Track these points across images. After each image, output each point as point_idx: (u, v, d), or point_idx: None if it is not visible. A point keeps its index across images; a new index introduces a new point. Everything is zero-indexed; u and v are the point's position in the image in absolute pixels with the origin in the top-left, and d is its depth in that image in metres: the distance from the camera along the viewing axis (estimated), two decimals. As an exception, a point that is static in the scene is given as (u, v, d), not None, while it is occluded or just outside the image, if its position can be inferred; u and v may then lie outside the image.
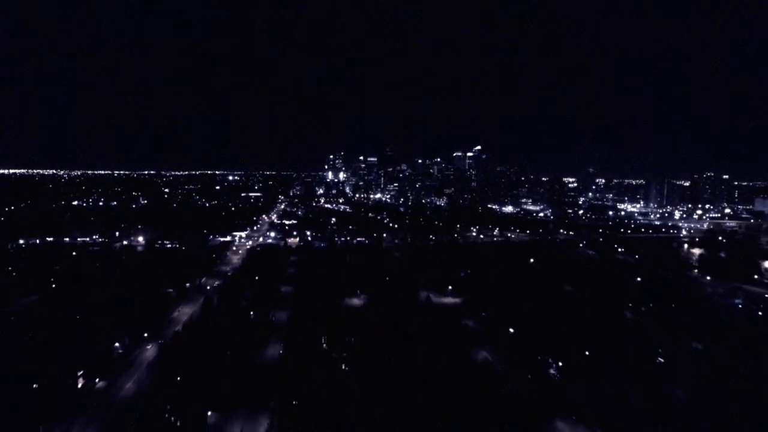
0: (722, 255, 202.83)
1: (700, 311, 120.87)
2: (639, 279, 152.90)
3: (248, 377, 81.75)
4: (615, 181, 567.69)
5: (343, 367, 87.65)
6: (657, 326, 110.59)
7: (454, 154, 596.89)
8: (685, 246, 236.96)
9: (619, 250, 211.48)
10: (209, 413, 69.86)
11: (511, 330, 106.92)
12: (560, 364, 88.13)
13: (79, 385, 77.85)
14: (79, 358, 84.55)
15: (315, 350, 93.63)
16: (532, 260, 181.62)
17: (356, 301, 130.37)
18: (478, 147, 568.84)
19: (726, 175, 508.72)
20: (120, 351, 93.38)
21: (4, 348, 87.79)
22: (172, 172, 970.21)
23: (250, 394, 76.50)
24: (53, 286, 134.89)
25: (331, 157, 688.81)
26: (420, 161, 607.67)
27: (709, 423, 69.28)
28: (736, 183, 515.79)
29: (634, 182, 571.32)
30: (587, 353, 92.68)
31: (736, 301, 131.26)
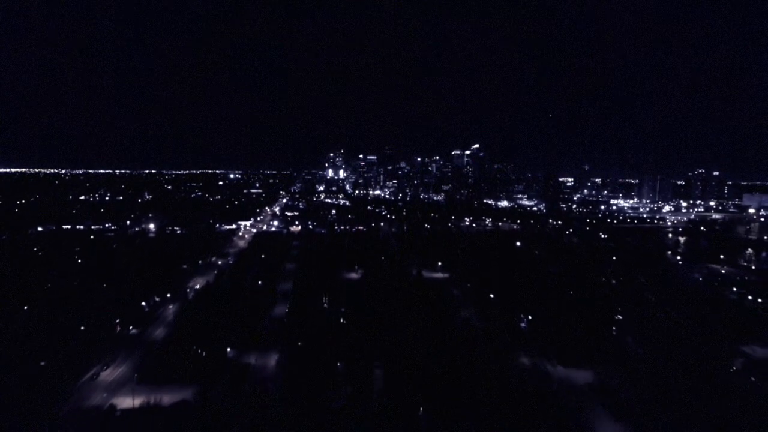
0: (697, 241, 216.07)
1: (663, 282, 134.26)
2: (614, 258, 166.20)
3: (259, 326, 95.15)
4: (609, 179, 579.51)
5: (342, 321, 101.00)
6: (622, 293, 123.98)
7: (453, 153, 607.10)
8: (667, 234, 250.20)
9: (602, 236, 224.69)
10: (228, 349, 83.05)
11: (492, 296, 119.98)
12: (530, 317, 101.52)
13: (117, 331, 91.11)
14: (112, 313, 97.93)
15: (317, 309, 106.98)
16: (518, 243, 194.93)
17: (354, 275, 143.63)
18: (477, 145, 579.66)
19: (716, 172, 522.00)
20: (146, 309, 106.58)
21: (46, 307, 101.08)
22: (173, 171, 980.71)
23: (262, 338, 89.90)
24: (78, 262, 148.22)
25: (331, 155, 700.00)
26: (419, 159, 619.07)
27: (651, 360, 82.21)
28: (732, 182, 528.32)
29: (632, 181, 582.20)
30: (556, 312, 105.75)
31: (697, 275, 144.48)
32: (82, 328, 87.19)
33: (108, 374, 74.51)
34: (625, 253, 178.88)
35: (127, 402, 63.99)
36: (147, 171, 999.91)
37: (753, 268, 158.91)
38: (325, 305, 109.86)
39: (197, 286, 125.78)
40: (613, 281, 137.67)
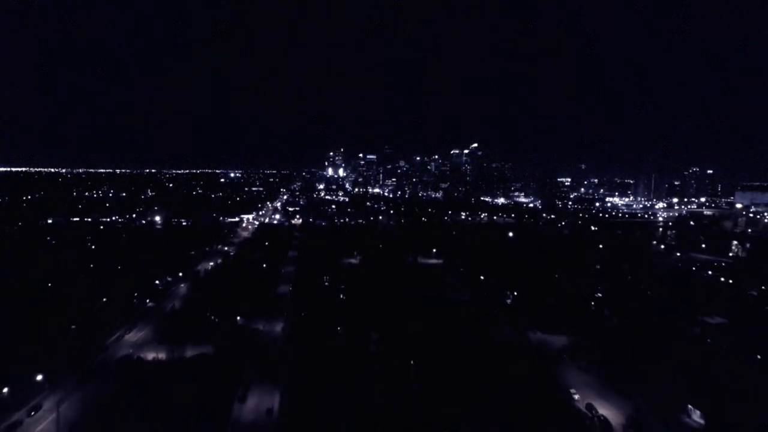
0: (684, 233, 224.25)
1: (645, 267, 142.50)
2: (601, 246, 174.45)
3: (265, 301, 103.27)
4: (605, 178, 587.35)
5: (341, 296, 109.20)
6: (604, 275, 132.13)
7: (452, 152, 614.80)
8: (656, 227, 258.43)
9: (593, 228, 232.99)
10: (238, 318, 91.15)
11: (482, 278, 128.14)
12: (515, 294, 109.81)
13: (135, 304, 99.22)
14: (129, 290, 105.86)
15: (318, 287, 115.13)
16: (510, 234, 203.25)
17: (353, 261, 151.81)
18: (475, 144, 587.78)
19: (710, 170, 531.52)
20: (160, 287, 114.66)
21: (68, 285, 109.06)
22: (173, 171, 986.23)
23: (268, 310, 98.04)
24: (92, 248, 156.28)
25: (331, 154, 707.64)
26: (418, 158, 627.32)
27: (622, 328, 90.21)
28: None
29: (630, 181, 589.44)
30: (541, 291, 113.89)
31: (678, 262, 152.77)
32: (104, 299, 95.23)
33: (131, 336, 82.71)
34: (613, 242, 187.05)
35: (152, 356, 72.13)
36: (147, 170, 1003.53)
37: (730, 255, 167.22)
38: (326, 284, 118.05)
39: (206, 268, 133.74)
40: (598, 266, 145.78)
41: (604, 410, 58.55)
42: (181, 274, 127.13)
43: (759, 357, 72.01)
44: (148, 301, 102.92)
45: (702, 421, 55.38)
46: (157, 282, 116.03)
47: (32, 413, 54.92)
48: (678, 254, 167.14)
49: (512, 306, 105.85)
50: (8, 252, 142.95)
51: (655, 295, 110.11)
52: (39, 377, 60.54)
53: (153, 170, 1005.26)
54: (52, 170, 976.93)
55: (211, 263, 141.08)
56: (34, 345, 70.59)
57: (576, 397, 62.25)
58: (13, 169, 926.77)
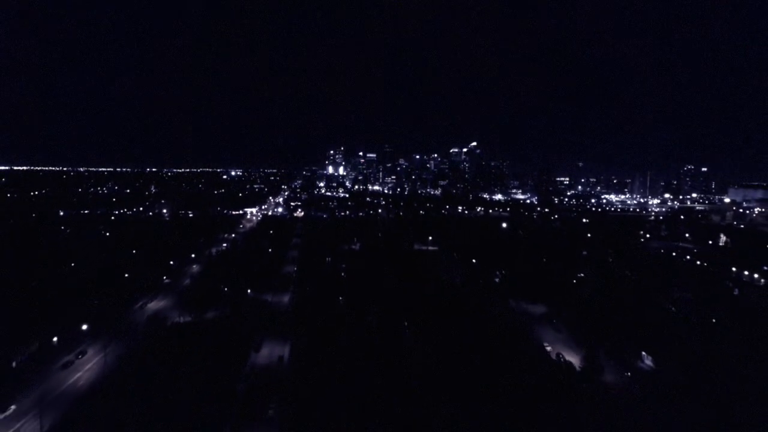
0: (672, 226, 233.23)
1: (629, 252, 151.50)
2: (589, 235, 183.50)
3: (273, 278, 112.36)
4: (602, 176, 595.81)
5: (342, 275, 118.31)
6: (589, 260, 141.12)
7: (451, 150, 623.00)
8: (646, 221, 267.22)
9: (585, 221, 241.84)
10: (248, 291, 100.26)
11: (474, 260, 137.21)
12: (503, 273, 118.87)
13: (152, 280, 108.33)
14: (145, 270, 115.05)
15: (321, 267, 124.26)
16: (504, 225, 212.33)
17: (353, 247, 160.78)
18: (474, 143, 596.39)
19: (704, 168, 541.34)
20: (175, 268, 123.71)
21: (95, 263, 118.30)
22: (174, 170, 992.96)
23: (276, 285, 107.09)
24: (107, 235, 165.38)
25: (332, 152, 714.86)
26: (417, 157, 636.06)
27: (597, 299, 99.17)
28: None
29: (628, 180, 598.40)
30: (528, 271, 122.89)
31: (661, 249, 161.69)
32: (126, 275, 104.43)
33: (153, 305, 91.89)
34: (601, 232, 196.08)
35: (174, 319, 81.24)
36: (148, 170, 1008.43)
37: (710, 243, 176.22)
38: (328, 265, 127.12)
39: (217, 250, 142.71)
40: (584, 252, 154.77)
41: (570, 358, 67.68)
42: (193, 256, 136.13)
43: (714, 321, 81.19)
44: (165, 278, 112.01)
45: (652, 365, 64.52)
46: (171, 263, 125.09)
47: (80, 356, 64.18)
48: (662, 242, 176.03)
49: (500, 283, 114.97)
50: (31, 239, 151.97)
51: (632, 274, 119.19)
52: (84, 326, 69.70)
53: (154, 169, 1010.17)
54: (54, 169, 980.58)
55: (221, 247, 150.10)
56: (69, 308, 79.72)
57: (548, 349, 71.45)
58: (15, 168, 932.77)
